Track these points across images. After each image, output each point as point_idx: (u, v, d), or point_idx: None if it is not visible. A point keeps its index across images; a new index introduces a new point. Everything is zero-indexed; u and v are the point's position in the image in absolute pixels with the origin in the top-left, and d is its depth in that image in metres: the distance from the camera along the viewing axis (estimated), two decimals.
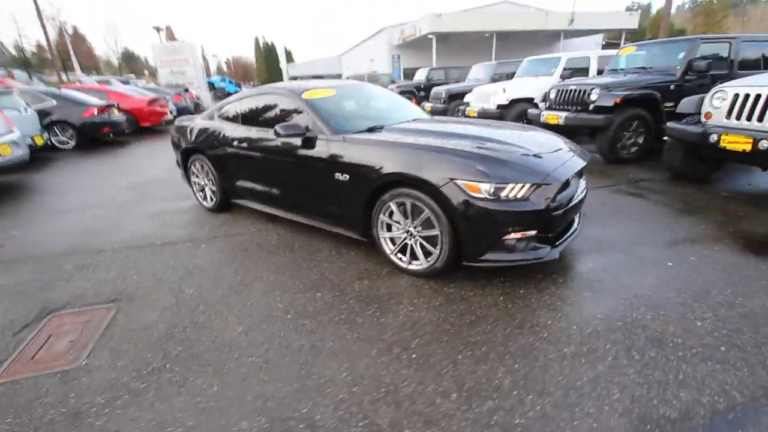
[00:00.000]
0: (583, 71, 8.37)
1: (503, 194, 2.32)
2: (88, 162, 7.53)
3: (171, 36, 25.28)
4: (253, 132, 3.62)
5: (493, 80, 10.60)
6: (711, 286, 2.50)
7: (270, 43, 63.22)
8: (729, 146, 3.85)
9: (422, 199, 2.51)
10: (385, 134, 2.96)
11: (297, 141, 3.16)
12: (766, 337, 2.02)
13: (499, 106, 8.08)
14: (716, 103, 4.14)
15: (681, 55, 5.83)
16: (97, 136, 8.78)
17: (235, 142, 3.71)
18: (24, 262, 3.25)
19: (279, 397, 1.76)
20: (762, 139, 3.57)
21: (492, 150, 2.56)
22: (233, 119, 3.90)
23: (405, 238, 2.75)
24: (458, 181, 2.35)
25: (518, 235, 2.40)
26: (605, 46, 31.65)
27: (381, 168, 2.64)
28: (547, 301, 2.41)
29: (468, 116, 8.50)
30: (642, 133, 5.82)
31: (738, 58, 5.81)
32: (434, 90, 11.24)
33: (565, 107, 6.28)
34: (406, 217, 2.69)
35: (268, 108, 3.63)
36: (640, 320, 2.20)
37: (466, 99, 9.33)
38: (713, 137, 3.96)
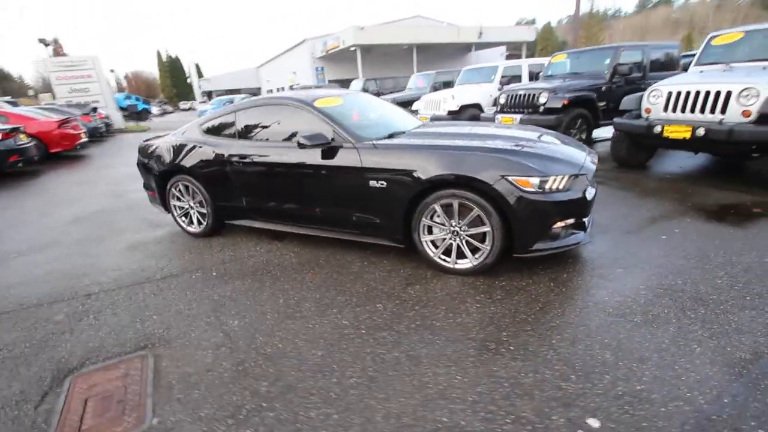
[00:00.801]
0: (517, 78, 9.24)
1: (547, 186, 2.51)
2: (5, 199, 6.30)
3: (60, 51, 22.22)
4: (256, 146, 3.39)
5: (435, 88, 11.18)
6: (706, 250, 2.95)
7: (174, 57, 58.77)
8: (671, 135, 4.56)
9: (472, 198, 2.59)
10: (416, 139, 3.00)
11: (315, 152, 3.05)
12: None
13: (450, 112, 8.55)
14: (653, 100, 4.89)
15: (607, 62, 6.77)
16: (1, 168, 7.38)
17: (235, 158, 3.44)
18: None
19: (409, 412, 1.69)
20: (699, 127, 4.29)
21: (529, 146, 2.75)
22: (227, 134, 3.61)
23: (449, 239, 2.81)
24: (510, 177, 2.48)
25: (562, 223, 2.61)
26: (508, 57, 35.15)
27: (425, 171, 2.67)
28: (591, 281, 2.64)
29: None
30: (585, 130, 6.61)
31: (649, 63, 6.92)
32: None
33: (518, 110, 6.88)
34: (450, 217, 2.75)
35: (271, 119, 3.44)
36: (674, 285, 2.52)
37: (415, 107, 9.70)
38: (657, 128, 4.67)
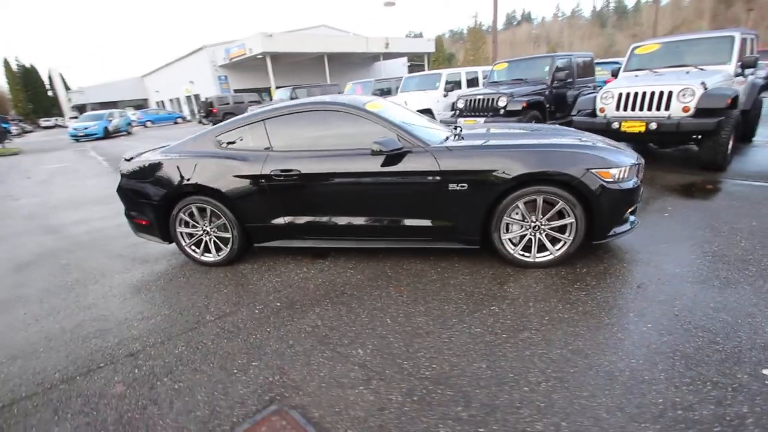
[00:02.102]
0: (457, 84, 9.87)
1: (619, 176, 2.76)
2: None
3: None
4: (301, 157, 3.05)
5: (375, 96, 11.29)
6: (710, 221, 3.54)
7: (30, 66, 48.99)
8: (628, 130, 5.35)
9: (557, 193, 2.71)
10: (484, 140, 3.02)
11: (377, 159, 2.87)
12: None
13: None
14: (606, 101, 5.67)
15: (546, 69, 7.64)
16: None
17: (275, 173, 3.04)
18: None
19: (627, 403, 1.71)
20: (651, 122, 5.12)
21: (590, 141, 2.99)
22: (256, 146, 3.18)
23: (529, 234, 2.89)
24: (594, 170, 2.66)
25: (631, 208, 2.89)
26: (410, 68, 37.28)
27: (511, 170, 2.71)
28: (653, 258, 2.96)
29: None
30: None
31: (576, 69, 8.00)
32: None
33: (478, 113, 7.36)
34: (531, 213, 2.83)
35: (313, 127, 3.14)
36: (715, 251, 2.96)
37: None
38: (616, 124, 5.43)
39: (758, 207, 3.76)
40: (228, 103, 20.08)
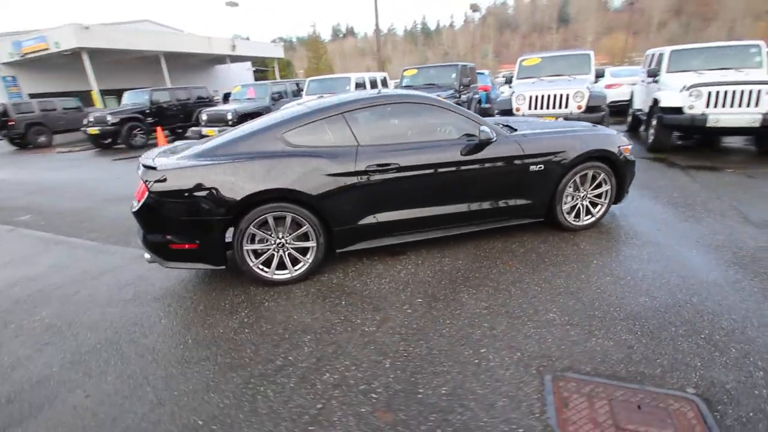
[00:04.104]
0: (363, 87, 10.26)
1: (631, 150, 3.67)
2: None
3: None
4: (394, 150, 2.96)
5: (274, 99, 10.67)
6: (703, 189, 4.93)
7: None
8: None
9: (602, 167, 3.44)
10: (541, 128, 3.51)
11: (456, 150, 3.07)
12: None
13: None
14: (520, 102, 7.02)
15: (453, 75, 8.77)
16: None
17: (372, 168, 2.87)
18: None
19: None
20: (559, 117, 6.61)
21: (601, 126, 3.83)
22: (341, 142, 2.92)
23: (579, 203, 3.55)
24: (622, 147, 3.49)
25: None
26: (255, 72, 35.60)
27: (574, 150, 3.29)
28: (698, 226, 4.01)
29: None
30: None
31: (461, 77, 9.39)
32: (211, 112, 9.90)
33: None
34: (582, 184, 3.49)
35: (396, 120, 3.08)
36: (747, 216, 4.21)
37: None
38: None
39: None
40: (32, 111, 15.38)
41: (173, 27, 28.90)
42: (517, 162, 3.20)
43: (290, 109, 3.34)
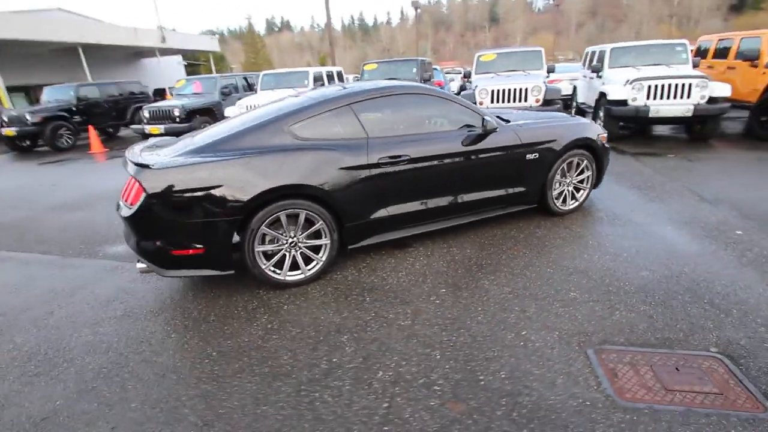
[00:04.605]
0: (321, 81, 10.01)
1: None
2: None
3: None
4: (402, 142, 2.93)
5: (224, 94, 10.03)
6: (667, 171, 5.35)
7: None
8: None
9: (584, 154, 3.68)
10: (533, 119, 3.66)
11: (460, 140, 3.13)
12: None
13: None
14: (483, 96, 7.28)
15: (414, 70, 8.86)
16: None
17: (384, 160, 2.81)
18: None
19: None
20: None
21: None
22: (348, 134, 2.82)
23: (565, 188, 3.77)
24: (600, 135, 3.76)
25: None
26: (187, 66, 33.29)
27: (563, 139, 3.49)
28: (699, 201, 4.37)
29: None
30: None
31: (422, 72, 9.55)
32: (154, 108, 9.07)
33: None
34: (568, 171, 3.71)
35: (400, 110, 3.07)
36: (729, 197, 4.64)
37: (231, 114, 8.62)
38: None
39: None
40: None
41: (89, 16, 25.96)
42: (515, 151, 3.33)
43: (289, 100, 3.16)
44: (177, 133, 9.24)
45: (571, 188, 3.81)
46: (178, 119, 8.94)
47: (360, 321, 2.37)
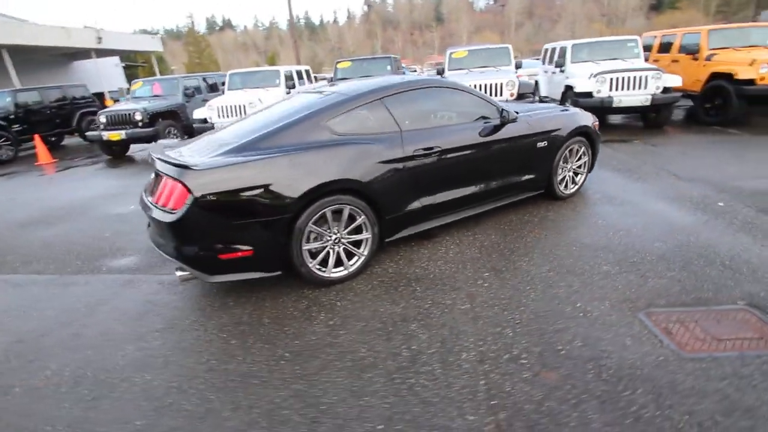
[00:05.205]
0: (291, 79, 9.80)
1: None
2: None
3: None
4: (432, 134, 3.01)
5: (187, 95, 9.51)
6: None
7: None
8: None
9: (583, 141, 3.96)
10: (540, 110, 3.86)
11: (479, 129, 3.27)
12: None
13: None
14: None
15: (389, 67, 8.94)
16: None
17: (419, 152, 2.87)
18: None
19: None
20: None
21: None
22: (382, 128, 2.85)
23: (567, 174, 4.03)
24: (593, 124, 4.06)
25: None
26: (125, 68, 31.09)
27: (566, 128, 3.74)
28: (685, 182, 4.73)
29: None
30: None
31: (395, 70, 9.67)
32: (112, 113, 8.41)
33: None
34: (570, 157, 3.97)
35: (427, 104, 3.17)
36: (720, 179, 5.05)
37: (201, 116, 8.23)
38: None
39: None
40: None
41: (14, 17, 23.39)
42: (529, 139, 3.52)
43: (311, 97, 3.11)
44: (139, 140, 8.76)
45: (570, 173, 4.09)
46: (140, 124, 8.35)
47: (421, 309, 2.41)
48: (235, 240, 2.37)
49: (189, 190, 2.23)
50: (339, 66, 9.24)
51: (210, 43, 40.89)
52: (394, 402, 1.73)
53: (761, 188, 3.98)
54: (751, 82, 6.57)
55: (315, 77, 12.13)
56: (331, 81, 9.56)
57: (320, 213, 2.55)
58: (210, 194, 2.25)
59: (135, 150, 9.68)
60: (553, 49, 9.29)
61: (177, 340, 2.31)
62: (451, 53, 8.73)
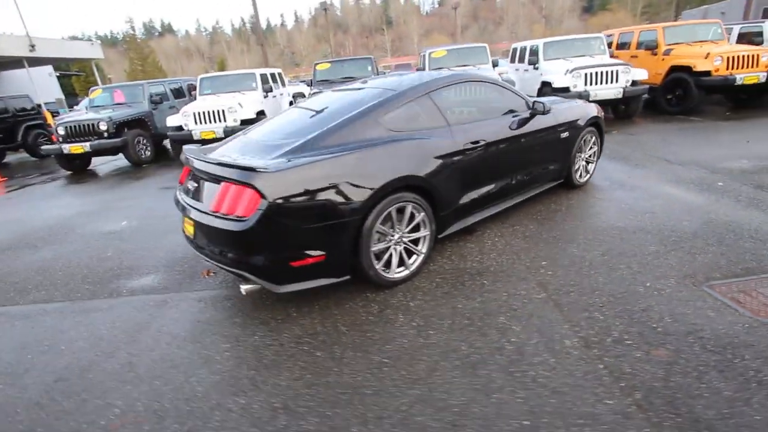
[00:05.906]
0: (267, 82, 9.46)
1: None
2: None
3: None
4: (476, 127, 3.02)
5: (154, 102, 8.88)
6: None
7: None
8: None
9: (593, 131, 4.16)
10: (555, 103, 3.98)
11: (516, 123, 3.34)
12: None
13: (244, 121, 7.73)
14: None
15: (369, 68, 8.88)
16: None
17: (467, 145, 2.86)
18: None
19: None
20: None
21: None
22: (431, 123, 2.81)
23: (582, 163, 4.21)
24: (601, 114, 4.27)
25: None
26: (59, 77, 28.66)
27: (584, 118, 3.90)
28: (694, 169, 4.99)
29: (204, 140, 7.36)
30: None
31: (375, 70, 9.66)
32: (72, 123, 7.66)
33: None
34: (584, 147, 4.15)
35: (465, 97, 3.21)
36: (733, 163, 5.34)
37: (175, 123, 7.73)
38: None
39: None
40: None
41: None
42: (556, 130, 3.63)
43: (352, 93, 3.01)
44: (105, 152, 8.04)
45: (583, 162, 4.28)
46: (105, 134, 7.69)
47: (500, 302, 2.40)
48: (307, 245, 2.23)
49: (262, 195, 2.06)
50: (318, 68, 9.04)
51: (153, 49, 38.46)
52: (526, 396, 1.70)
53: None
54: (707, 73, 7.25)
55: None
56: (310, 83, 9.35)
57: (387, 212, 2.47)
58: (285, 198, 2.10)
59: (97, 163, 8.90)
60: (523, 48, 9.69)
61: (254, 358, 2.13)
62: (430, 53, 8.84)
